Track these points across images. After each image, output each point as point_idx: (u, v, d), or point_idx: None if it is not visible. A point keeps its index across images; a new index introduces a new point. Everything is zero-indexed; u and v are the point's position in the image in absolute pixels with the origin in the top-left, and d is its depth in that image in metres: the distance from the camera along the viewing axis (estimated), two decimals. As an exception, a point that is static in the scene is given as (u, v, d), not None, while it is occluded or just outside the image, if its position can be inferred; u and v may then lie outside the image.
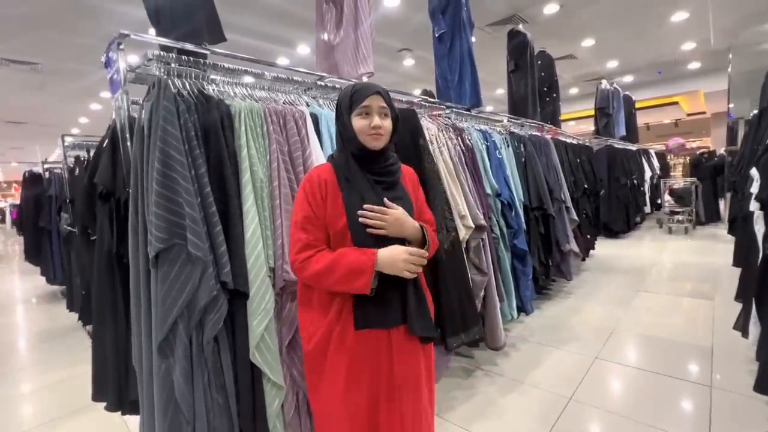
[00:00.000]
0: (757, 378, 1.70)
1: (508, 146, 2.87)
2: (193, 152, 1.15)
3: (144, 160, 1.19)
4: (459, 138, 2.35)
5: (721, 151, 7.28)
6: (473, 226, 2.07)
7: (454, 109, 2.68)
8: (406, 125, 1.97)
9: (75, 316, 3.61)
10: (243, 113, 1.30)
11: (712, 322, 2.80)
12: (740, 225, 3.10)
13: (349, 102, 1.08)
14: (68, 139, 3.26)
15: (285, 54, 6.06)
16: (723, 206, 6.85)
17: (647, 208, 7.36)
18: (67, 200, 3.30)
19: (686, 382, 2.08)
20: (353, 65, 2.19)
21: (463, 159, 2.30)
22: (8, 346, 3.31)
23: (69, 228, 3.31)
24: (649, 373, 2.19)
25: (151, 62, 1.30)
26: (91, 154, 3.33)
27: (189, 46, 1.45)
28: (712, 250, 5.03)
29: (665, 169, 7.46)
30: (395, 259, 0.99)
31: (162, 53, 1.31)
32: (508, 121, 3.31)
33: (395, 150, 1.88)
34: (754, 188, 1.93)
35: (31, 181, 4.79)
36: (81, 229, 3.01)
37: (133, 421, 1.89)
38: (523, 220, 2.62)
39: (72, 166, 3.15)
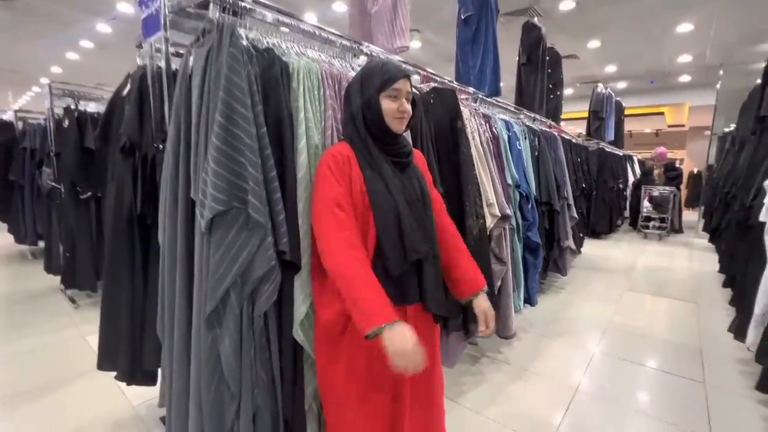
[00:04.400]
0: (760, 379, 1.81)
1: (525, 138, 2.86)
2: (255, 108, 1.04)
3: (196, 112, 1.08)
4: (488, 125, 2.31)
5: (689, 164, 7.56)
6: (499, 214, 2.06)
7: (479, 96, 2.63)
8: (445, 105, 1.91)
9: (51, 278, 3.38)
10: (302, 72, 1.19)
11: (697, 324, 2.95)
12: (731, 234, 3.26)
13: (379, 81, 1.03)
14: (55, 86, 2.98)
15: (316, 10, 5.35)
16: (698, 216, 7.23)
17: (626, 212, 7.66)
18: (51, 153, 3.04)
19: (682, 379, 2.18)
20: (389, 37, 2.09)
21: (491, 147, 2.27)
22: (-24, 307, 3.06)
23: (52, 184, 3.06)
24: (647, 368, 2.29)
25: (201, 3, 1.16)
26: (80, 104, 3.07)
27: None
28: (686, 256, 5.31)
29: (647, 176, 7.75)
30: (404, 348, 0.85)
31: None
32: (524, 115, 3.29)
33: (432, 130, 1.83)
34: (769, 200, 2.00)
35: (0, 129, 4.37)
36: (69, 186, 2.80)
37: (132, 391, 1.77)
38: (537, 213, 2.64)
39: (60, 117, 2.88)
